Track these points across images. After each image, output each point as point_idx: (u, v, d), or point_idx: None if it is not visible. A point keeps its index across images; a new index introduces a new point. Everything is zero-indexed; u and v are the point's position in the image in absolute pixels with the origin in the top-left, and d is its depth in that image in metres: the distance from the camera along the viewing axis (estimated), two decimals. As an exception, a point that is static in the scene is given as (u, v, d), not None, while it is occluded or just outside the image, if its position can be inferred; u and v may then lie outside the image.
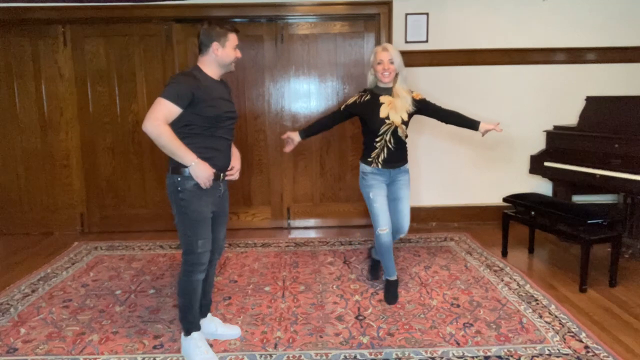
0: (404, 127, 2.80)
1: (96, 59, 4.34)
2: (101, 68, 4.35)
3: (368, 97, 2.83)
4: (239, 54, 2.34)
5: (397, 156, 2.85)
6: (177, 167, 2.19)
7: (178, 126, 2.16)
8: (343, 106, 2.92)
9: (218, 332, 2.51)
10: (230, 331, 2.54)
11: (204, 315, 2.52)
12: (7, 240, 4.32)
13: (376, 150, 2.82)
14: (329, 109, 4.41)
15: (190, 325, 2.32)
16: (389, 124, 2.77)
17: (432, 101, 2.93)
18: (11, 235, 4.46)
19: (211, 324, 2.52)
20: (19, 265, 3.68)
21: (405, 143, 2.87)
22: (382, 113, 2.77)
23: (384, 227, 2.82)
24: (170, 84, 2.15)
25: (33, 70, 4.34)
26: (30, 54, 4.32)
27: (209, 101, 2.18)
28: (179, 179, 2.20)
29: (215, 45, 2.24)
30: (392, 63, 2.74)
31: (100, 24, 4.27)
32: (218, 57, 2.26)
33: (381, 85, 2.82)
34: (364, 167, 2.88)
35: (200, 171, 2.15)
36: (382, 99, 2.79)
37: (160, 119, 2.08)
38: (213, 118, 2.21)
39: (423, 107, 2.87)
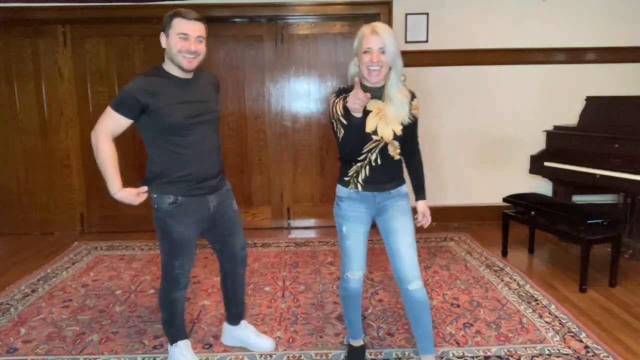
0: (396, 143, 2.00)
1: (96, 59, 4.34)
2: (101, 68, 4.35)
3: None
4: (190, 45, 1.90)
5: (385, 175, 2.05)
6: (153, 179, 2.00)
7: (151, 141, 1.98)
8: (337, 121, 1.98)
9: (250, 341, 2.37)
10: (263, 343, 2.38)
11: (236, 324, 2.41)
12: (7, 240, 4.32)
13: (355, 167, 2.05)
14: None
15: (174, 335, 2.23)
16: (376, 140, 1.98)
17: (418, 128, 2.14)
18: (11, 235, 4.45)
19: (244, 332, 2.40)
20: (19, 265, 3.67)
21: (399, 160, 2.08)
22: (369, 125, 1.96)
23: (356, 272, 2.08)
24: (122, 89, 1.92)
25: (33, 70, 4.34)
26: (30, 54, 4.32)
27: (163, 108, 1.90)
28: (155, 196, 2.00)
29: (161, 36, 1.93)
30: (383, 53, 1.90)
31: (100, 24, 4.27)
32: (166, 50, 1.94)
33: (367, 84, 1.97)
34: (339, 190, 2.11)
35: (124, 201, 1.95)
36: (369, 104, 1.96)
37: (104, 131, 1.89)
38: (171, 127, 1.93)
39: (407, 127, 2.03)
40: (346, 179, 2.08)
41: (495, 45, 4.29)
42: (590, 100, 3.74)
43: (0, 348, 2.45)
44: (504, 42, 4.29)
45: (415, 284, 1.98)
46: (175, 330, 2.22)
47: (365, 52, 1.90)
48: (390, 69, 1.96)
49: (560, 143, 3.76)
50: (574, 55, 4.32)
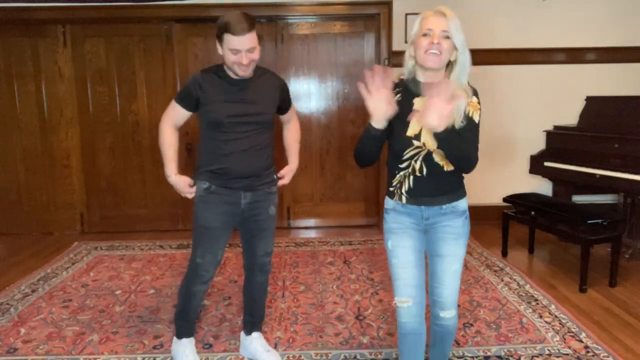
0: (442, 153, 1.66)
1: (96, 59, 4.34)
2: (101, 68, 4.35)
3: (399, 96, 1.73)
4: (242, 60, 1.91)
5: (433, 187, 1.74)
6: (197, 168, 2.13)
7: (201, 133, 2.09)
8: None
9: (258, 355, 2.30)
10: (270, 359, 2.29)
11: (248, 334, 2.35)
12: (7, 240, 4.32)
13: (398, 177, 1.77)
14: (330, 108, 4.42)
15: (181, 329, 2.24)
16: (417, 147, 1.69)
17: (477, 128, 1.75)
18: (11, 235, 4.45)
19: (252, 345, 2.33)
20: (19, 265, 3.67)
21: (453, 171, 1.73)
22: (411, 129, 1.68)
23: (404, 298, 1.78)
24: (184, 82, 2.12)
25: (33, 70, 4.34)
26: (30, 54, 4.32)
27: (208, 104, 2.02)
28: (196, 181, 2.12)
29: (217, 44, 1.99)
30: (447, 37, 1.65)
31: (100, 24, 4.27)
32: (224, 57, 2.00)
33: (420, 78, 1.70)
34: (386, 202, 1.86)
35: (176, 186, 2.12)
36: (419, 102, 1.68)
37: (167, 120, 2.09)
38: (213, 123, 2.03)
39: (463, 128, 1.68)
40: (391, 189, 1.81)
41: (495, 45, 4.29)
42: (590, 100, 3.74)
43: (0, 348, 2.45)
44: (504, 42, 4.29)
45: (449, 312, 1.80)
46: (185, 324, 2.24)
47: (425, 34, 1.64)
48: (450, 62, 1.69)
49: (560, 143, 3.76)
50: (574, 55, 4.32)
